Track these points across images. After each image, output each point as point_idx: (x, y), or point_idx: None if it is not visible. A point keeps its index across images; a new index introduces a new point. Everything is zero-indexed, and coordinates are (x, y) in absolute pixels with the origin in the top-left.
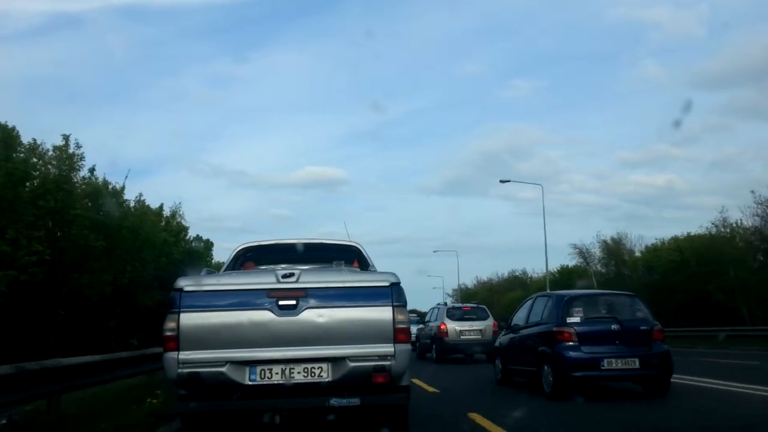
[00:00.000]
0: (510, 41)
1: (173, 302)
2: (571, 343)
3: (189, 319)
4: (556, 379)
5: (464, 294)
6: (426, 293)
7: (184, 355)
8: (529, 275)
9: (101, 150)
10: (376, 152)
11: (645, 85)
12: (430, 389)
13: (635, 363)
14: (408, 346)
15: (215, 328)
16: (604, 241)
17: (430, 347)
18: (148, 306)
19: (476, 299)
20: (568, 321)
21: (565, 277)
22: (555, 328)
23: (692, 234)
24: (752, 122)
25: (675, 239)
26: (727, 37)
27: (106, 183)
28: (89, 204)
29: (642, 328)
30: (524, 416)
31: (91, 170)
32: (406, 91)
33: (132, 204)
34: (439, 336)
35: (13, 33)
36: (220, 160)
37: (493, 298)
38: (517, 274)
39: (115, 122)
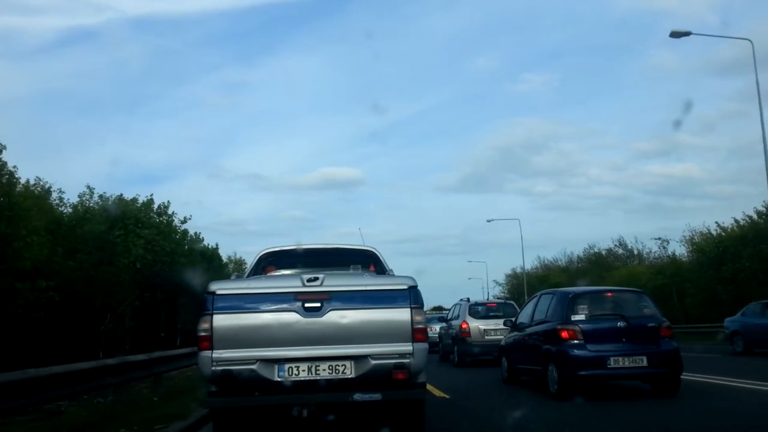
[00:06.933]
0: (519, 36)
1: (206, 304)
2: (576, 342)
3: (221, 320)
4: (562, 379)
5: (531, 278)
6: (452, 288)
7: (218, 353)
8: (637, 242)
9: (120, 159)
10: (391, 151)
11: (659, 74)
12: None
13: (643, 361)
14: (425, 345)
15: (246, 328)
16: None
17: (452, 348)
18: None
19: (549, 285)
20: (572, 319)
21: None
22: (559, 326)
23: None
24: None
25: None
26: (741, 22)
27: None
28: None
29: (649, 325)
30: (526, 415)
31: None
32: (416, 90)
33: None
34: (461, 336)
35: (32, 49)
36: (236, 165)
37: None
38: (612, 247)
39: (132, 131)
